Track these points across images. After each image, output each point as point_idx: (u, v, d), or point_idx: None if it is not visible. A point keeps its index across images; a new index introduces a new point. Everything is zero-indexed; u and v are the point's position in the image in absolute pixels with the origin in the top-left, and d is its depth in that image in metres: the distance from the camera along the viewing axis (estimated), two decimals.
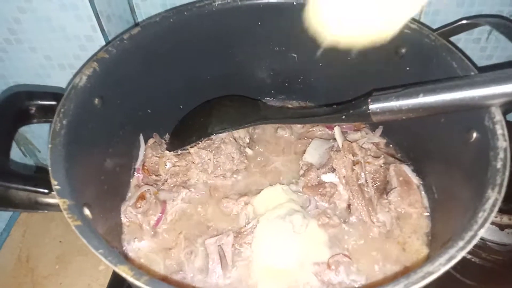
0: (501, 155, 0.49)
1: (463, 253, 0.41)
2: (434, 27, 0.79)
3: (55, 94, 0.60)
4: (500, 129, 0.51)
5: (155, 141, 0.81)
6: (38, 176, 0.50)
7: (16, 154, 1.04)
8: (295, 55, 0.82)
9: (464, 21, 0.70)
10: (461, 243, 0.41)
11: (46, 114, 0.59)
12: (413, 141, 0.76)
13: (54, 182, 0.47)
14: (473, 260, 0.79)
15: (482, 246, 0.78)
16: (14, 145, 0.91)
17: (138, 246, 0.70)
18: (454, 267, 0.80)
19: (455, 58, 0.60)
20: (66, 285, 0.91)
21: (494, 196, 0.45)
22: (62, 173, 0.49)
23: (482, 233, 0.42)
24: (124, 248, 0.70)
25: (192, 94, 0.83)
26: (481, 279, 0.79)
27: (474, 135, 0.55)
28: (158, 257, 0.68)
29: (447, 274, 0.78)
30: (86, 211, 0.49)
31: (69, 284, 0.91)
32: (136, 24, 0.89)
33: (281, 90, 0.91)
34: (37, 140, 1.02)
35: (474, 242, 0.41)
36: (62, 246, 0.97)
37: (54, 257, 0.95)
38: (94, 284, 0.91)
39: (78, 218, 0.44)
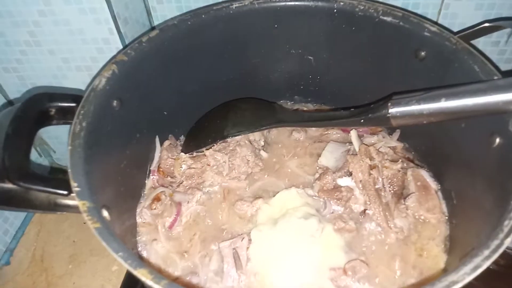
0: None
1: (488, 263, 0.40)
2: (454, 30, 0.78)
3: (75, 96, 0.60)
4: None
5: (170, 143, 0.81)
6: (58, 178, 0.50)
7: (31, 154, 1.05)
8: (311, 58, 0.81)
9: (487, 24, 0.69)
10: (486, 252, 0.41)
11: (66, 116, 0.60)
12: (432, 146, 0.75)
13: (74, 184, 0.47)
14: (490, 266, 0.77)
15: (501, 253, 0.76)
16: None
17: (153, 248, 0.70)
18: None
19: (477, 62, 0.59)
20: (79, 285, 0.92)
21: None
22: (81, 175, 0.49)
23: (508, 242, 0.41)
24: (139, 249, 0.70)
25: (208, 96, 0.83)
26: (497, 286, 0.77)
27: (497, 140, 0.54)
28: (175, 258, 0.68)
29: None
30: (105, 213, 0.49)
31: (83, 284, 0.92)
32: (153, 27, 0.90)
33: (297, 92, 0.90)
34: (52, 141, 1.04)
35: (500, 251, 0.40)
36: (75, 245, 0.98)
37: (68, 257, 0.96)
38: (107, 284, 0.91)
39: (98, 220, 0.44)
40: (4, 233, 0.97)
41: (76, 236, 0.99)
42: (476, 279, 0.74)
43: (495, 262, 0.76)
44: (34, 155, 1.06)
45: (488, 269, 0.75)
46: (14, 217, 1.00)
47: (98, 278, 0.92)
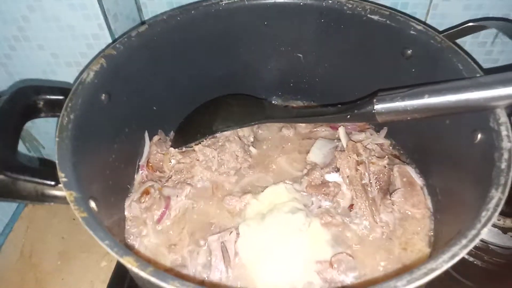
0: (506, 155, 0.49)
1: (466, 251, 0.41)
2: (441, 29, 0.79)
3: (63, 89, 0.60)
4: (505, 131, 0.51)
5: (159, 138, 0.81)
6: (45, 169, 0.50)
7: (20, 150, 1.05)
8: (301, 55, 0.82)
9: (471, 24, 0.71)
10: (464, 241, 0.42)
11: (53, 108, 0.60)
12: (418, 142, 0.76)
13: (61, 175, 0.47)
14: (475, 262, 0.79)
15: (485, 249, 0.78)
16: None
17: (142, 241, 0.70)
18: (457, 269, 0.80)
19: (461, 60, 0.61)
20: (68, 281, 0.91)
21: (498, 196, 0.45)
22: (69, 166, 0.49)
23: (485, 232, 0.42)
24: (128, 242, 0.70)
25: (197, 92, 0.83)
26: (483, 282, 0.78)
27: (479, 136, 0.55)
28: (163, 251, 0.69)
29: (449, 276, 0.78)
30: (92, 204, 0.50)
31: (71, 280, 0.91)
32: (143, 23, 0.90)
33: (286, 89, 0.91)
34: (41, 136, 1.03)
35: (477, 240, 0.41)
36: (64, 242, 0.97)
37: (57, 253, 0.95)
38: (96, 280, 0.90)
39: (85, 210, 0.45)
40: None
41: (65, 233, 0.98)
42: (474, 281, 0.76)
43: (480, 259, 0.78)
44: (23, 151, 1.05)
45: (481, 269, 0.77)
46: (2, 214, 0.99)
47: (87, 274, 0.92)
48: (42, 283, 0.91)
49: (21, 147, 1.04)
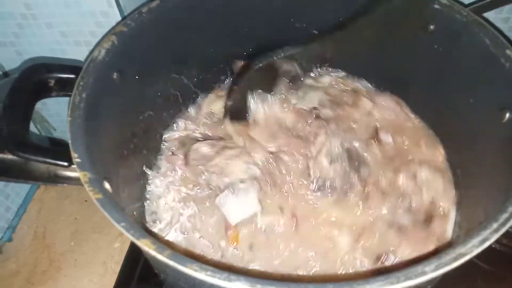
0: None
1: (497, 235, 0.39)
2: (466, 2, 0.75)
3: (74, 67, 0.59)
4: None
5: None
6: (58, 149, 0.49)
7: (31, 131, 1.04)
8: (317, 32, 0.79)
9: None
10: (495, 225, 0.40)
11: (65, 87, 0.58)
12: (437, 121, 0.74)
13: (74, 155, 0.46)
14: (493, 245, 0.77)
15: (504, 232, 0.76)
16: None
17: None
18: None
19: (488, 35, 0.57)
20: (81, 262, 0.92)
21: None
22: (82, 146, 0.47)
23: None
24: (147, 223, 0.70)
25: (208, 72, 0.81)
26: (500, 265, 0.77)
27: (507, 115, 0.53)
28: None
29: None
30: (107, 185, 0.48)
31: (85, 261, 0.92)
32: None
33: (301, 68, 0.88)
34: (52, 118, 1.02)
35: (509, 224, 0.40)
36: (77, 223, 0.98)
37: (69, 234, 0.96)
38: (109, 261, 0.91)
39: (100, 191, 0.43)
40: (6, 210, 0.97)
41: (77, 214, 0.99)
42: (490, 265, 0.75)
43: (498, 242, 0.76)
44: (35, 134, 1.05)
45: (498, 252, 0.75)
46: (15, 194, 1.00)
47: (100, 255, 0.92)
48: (55, 263, 0.92)
49: (32, 129, 1.04)
